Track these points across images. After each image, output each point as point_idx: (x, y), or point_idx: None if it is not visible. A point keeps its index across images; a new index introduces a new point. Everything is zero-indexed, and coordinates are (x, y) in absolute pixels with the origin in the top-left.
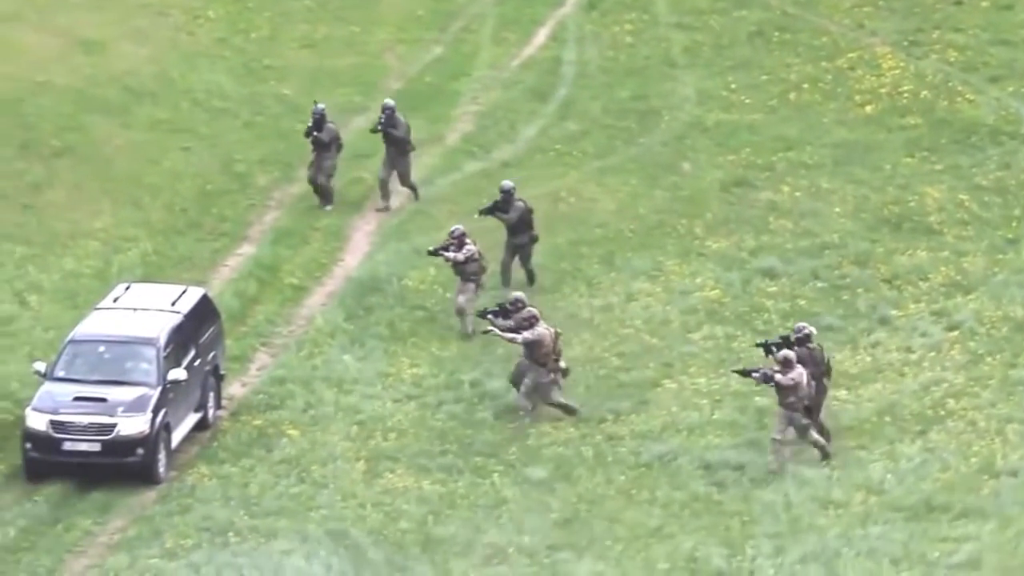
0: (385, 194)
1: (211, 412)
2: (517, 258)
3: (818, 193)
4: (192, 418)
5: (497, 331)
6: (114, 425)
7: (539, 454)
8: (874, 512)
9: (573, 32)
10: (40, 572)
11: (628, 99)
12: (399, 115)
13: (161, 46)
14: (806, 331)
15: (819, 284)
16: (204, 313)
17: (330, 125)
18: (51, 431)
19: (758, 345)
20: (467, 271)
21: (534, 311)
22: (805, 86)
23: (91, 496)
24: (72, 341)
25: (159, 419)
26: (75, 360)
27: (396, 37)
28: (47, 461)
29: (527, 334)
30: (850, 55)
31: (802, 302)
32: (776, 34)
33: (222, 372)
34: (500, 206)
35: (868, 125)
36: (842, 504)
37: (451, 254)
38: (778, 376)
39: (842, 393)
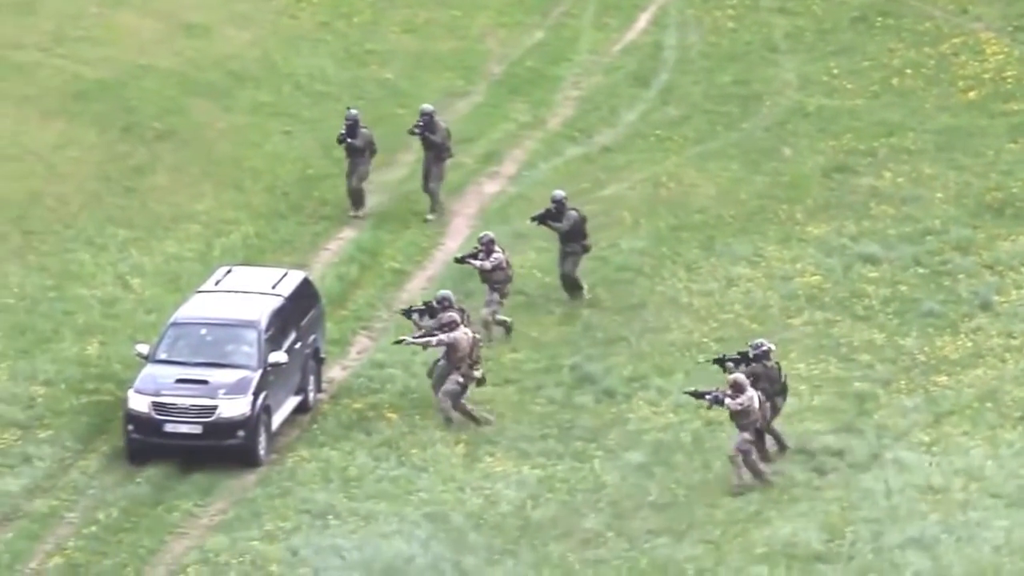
0: (436, 204)
1: (311, 395)
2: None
3: (920, 179)
4: (292, 401)
5: (409, 339)
6: (215, 407)
7: (638, 439)
8: (974, 498)
9: (674, 17)
10: (141, 553)
11: (729, 84)
12: (439, 120)
13: (264, 30)
14: (764, 348)
15: (920, 270)
16: (305, 296)
17: (364, 130)
18: (153, 413)
19: (714, 361)
20: (493, 279)
21: (455, 316)
22: (908, 71)
23: (192, 478)
24: (174, 324)
25: (259, 401)
26: (177, 343)
27: (497, 21)
28: (149, 443)
29: (443, 336)
30: (954, 40)
31: (903, 288)
32: (879, 19)
33: (322, 355)
34: (552, 215)
35: (971, 111)
36: (942, 490)
37: (478, 262)
38: (727, 401)
39: (943, 379)
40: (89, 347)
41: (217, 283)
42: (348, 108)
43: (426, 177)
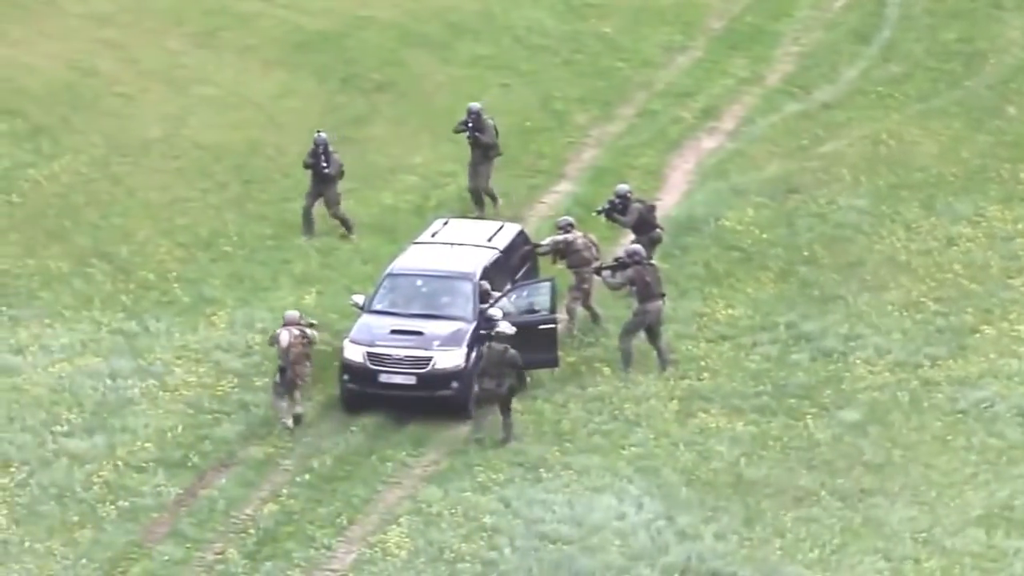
0: (479, 201)
1: None
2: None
3: None
4: None
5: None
6: (430, 358)
7: (853, 398)
8: None
9: None
10: (355, 502)
11: (953, 41)
12: (487, 118)
13: None
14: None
15: None
16: (520, 249)
17: (335, 155)
18: (368, 363)
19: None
20: (570, 264)
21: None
22: None
23: (406, 428)
24: (390, 275)
25: (474, 353)
26: (393, 293)
27: None
28: (364, 393)
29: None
30: None
31: None
32: None
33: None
34: (617, 208)
35: None
36: None
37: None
38: None
39: None
40: (306, 296)
41: (434, 235)
42: (318, 132)
43: (473, 176)
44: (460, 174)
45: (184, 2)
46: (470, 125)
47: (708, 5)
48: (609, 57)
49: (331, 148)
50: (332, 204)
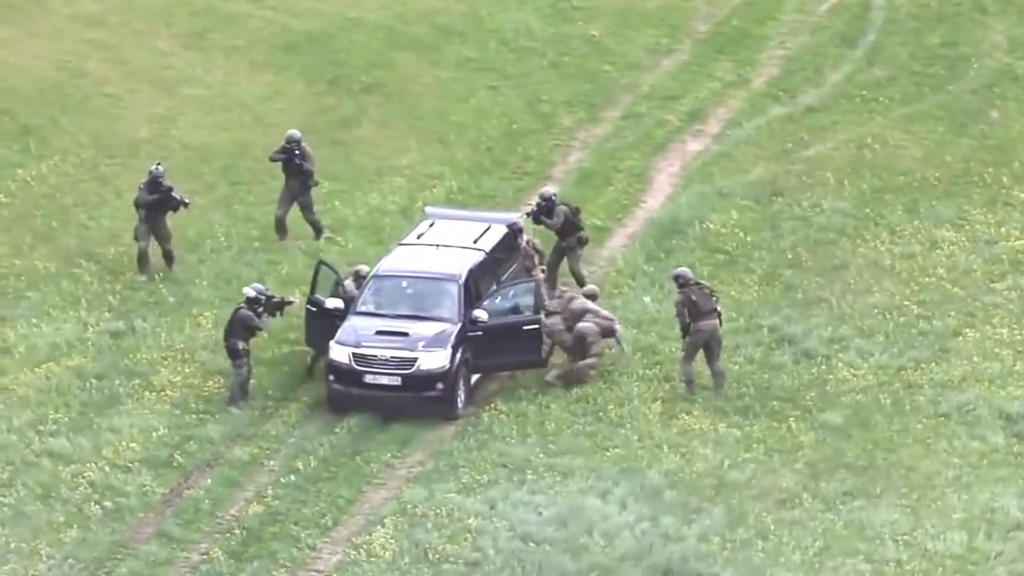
0: (282, 231)
1: None
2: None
3: None
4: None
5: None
6: (415, 359)
7: (836, 400)
8: None
9: None
10: (339, 503)
11: (937, 45)
12: (306, 146)
13: None
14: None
15: None
16: (506, 250)
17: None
18: (353, 364)
19: None
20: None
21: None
22: None
23: (391, 429)
24: (376, 276)
25: (459, 355)
26: (378, 295)
27: None
28: (349, 393)
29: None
30: None
31: None
32: None
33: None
34: (544, 211)
35: None
36: None
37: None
38: None
39: None
40: (292, 297)
41: (420, 236)
42: (157, 164)
43: (283, 204)
44: (447, 176)
45: (172, 3)
46: (297, 152)
47: (694, 8)
48: (595, 60)
49: (162, 179)
50: (141, 237)
